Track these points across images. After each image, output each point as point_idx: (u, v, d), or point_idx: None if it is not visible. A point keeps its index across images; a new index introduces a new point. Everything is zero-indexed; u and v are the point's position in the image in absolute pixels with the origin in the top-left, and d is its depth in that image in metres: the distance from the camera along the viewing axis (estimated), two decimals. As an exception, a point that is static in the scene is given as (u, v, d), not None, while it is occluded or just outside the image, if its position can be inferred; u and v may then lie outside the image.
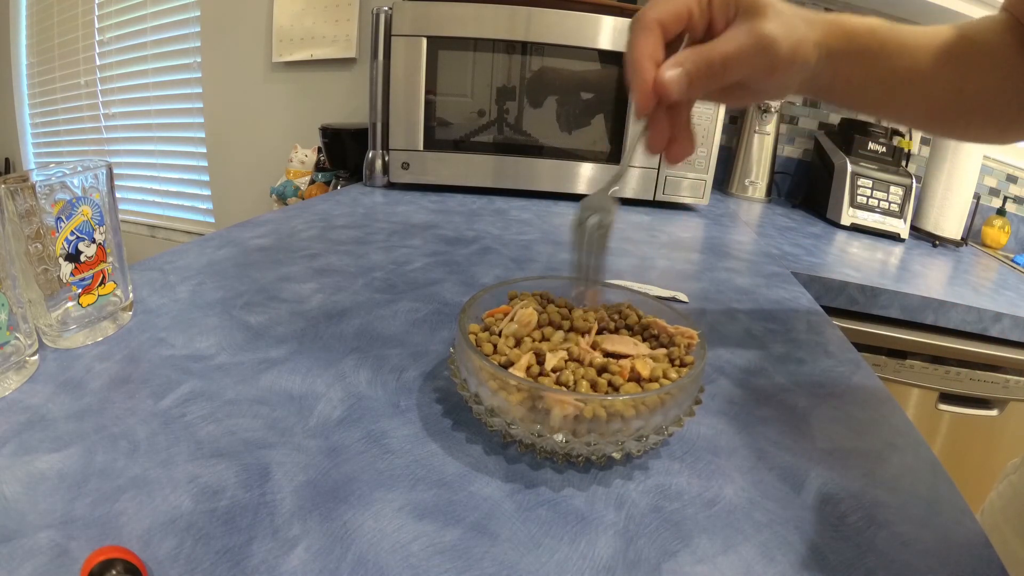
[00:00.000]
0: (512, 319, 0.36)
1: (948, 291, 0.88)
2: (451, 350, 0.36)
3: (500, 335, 0.35)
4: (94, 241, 0.39)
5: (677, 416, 0.31)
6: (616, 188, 0.36)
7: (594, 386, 0.31)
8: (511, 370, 0.31)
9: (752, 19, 0.31)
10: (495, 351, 0.34)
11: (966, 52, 0.37)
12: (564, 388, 0.30)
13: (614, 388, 0.31)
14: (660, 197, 1.05)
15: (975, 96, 0.38)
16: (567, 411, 0.28)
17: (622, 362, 0.33)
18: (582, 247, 0.37)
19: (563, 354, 0.32)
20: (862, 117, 1.27)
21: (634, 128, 0.35)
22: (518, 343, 0.34)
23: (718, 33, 0.32)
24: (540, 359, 0.33)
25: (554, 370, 0.32)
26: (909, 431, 0.39)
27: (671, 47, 0.33)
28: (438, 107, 0.98)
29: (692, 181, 1.04)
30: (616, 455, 0.30)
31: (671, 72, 0.31)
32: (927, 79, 0.37)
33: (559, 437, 0.29)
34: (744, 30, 0.31)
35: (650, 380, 0.32)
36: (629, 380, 0.32)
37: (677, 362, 0.35)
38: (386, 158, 1.02)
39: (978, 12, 1.10)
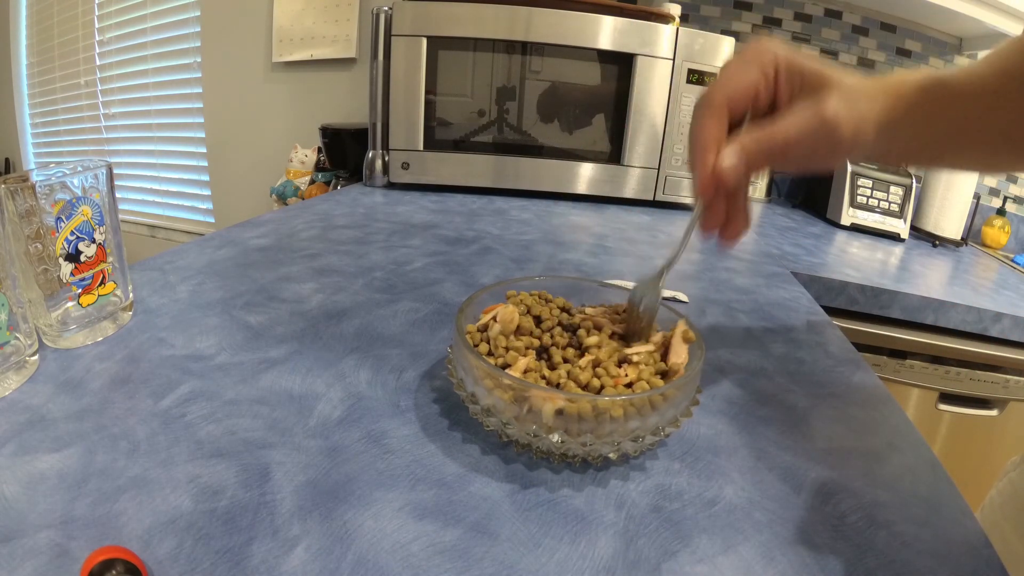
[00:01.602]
0: (495, 319, 0.36)
1: (948, 291, 0.88)
2: (448, 350, 0.36)
3: (488, 338, 0.35)
4: (94, 241, 0.39)
5: (674, 417, 0.31)
6: (667, 274, 0.36)
7: (586, 386, 0.31)
8: (509, 371, 0.31)
9: (817, 97, 0.31)
10: (491, 351, 0.34)
11: (1014, 90, 0.34)
12: (553, 387, 0.31)
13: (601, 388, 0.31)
14: (660, 197, 1.05)
15: None
16: (558, 405, 0.28)
17: (626, 367, 0.33)
18: (632, 324, 0.37)
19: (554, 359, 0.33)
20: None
21: (693, 208, 0.35)
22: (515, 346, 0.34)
23: (782, 104, 0.32)
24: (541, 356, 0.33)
25: (552, 366, 0.32)
26: (909, 431, 0.39)
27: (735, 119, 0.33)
28: (438, 107, 0.98)
29: (691, 181, 1.04)
30: (612, 456, 0.30)
31: (730, 160, 0.31)
32: (979, 129, 0.35)
33: (555, 437, 0.29)
34: (808, 111, 0.31)
35: (639, 380, 0.32)
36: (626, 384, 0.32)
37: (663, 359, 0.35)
38: (386, 158, 1.02)
39: (979, 12, 1.10)
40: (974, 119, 0.34)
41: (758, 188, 1.39)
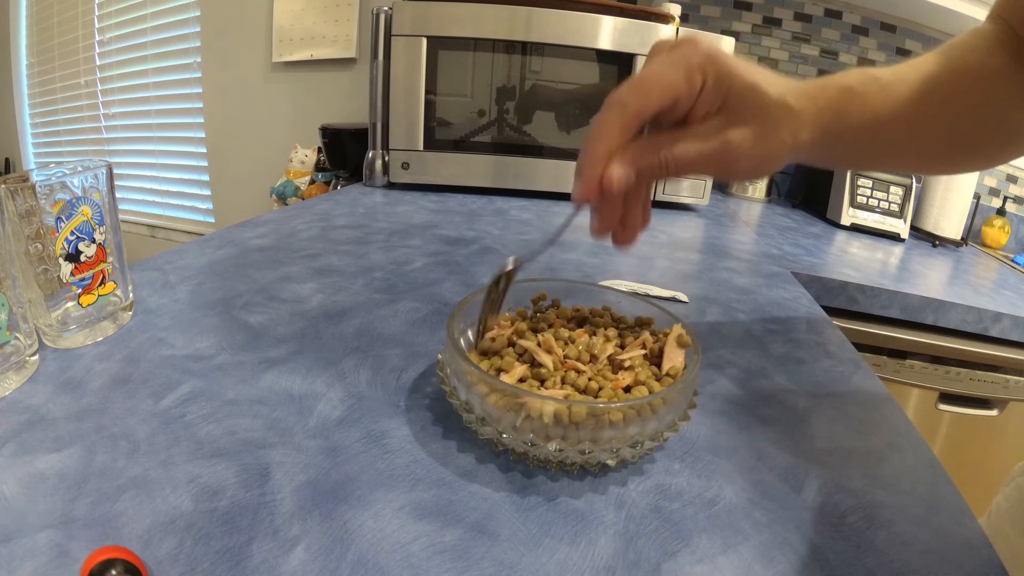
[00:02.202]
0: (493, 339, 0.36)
1: (948, 291, 0.88)
2: (440, 356, 0.36)
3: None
4: (94, 241, 0.39)
5: (672, 421, 0.31)
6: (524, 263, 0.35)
7: (584, 390, 0.31)
8: (502, 378, 0.31)
9: (729, 123, 0.30)
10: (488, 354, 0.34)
11: (951, 88, 0.35)
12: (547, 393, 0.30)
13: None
14: (660, 197, 1.05)
15: (965, 131, 0.36)
16: (556, 408, 0.28)
17: (622, 374, 0.33)
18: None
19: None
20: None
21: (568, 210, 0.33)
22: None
23: (697, 117, 0.31)
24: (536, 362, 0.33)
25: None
26: (909, 431, 0.39)
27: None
28: (438, 107, 0.98)
29: (692, 181, 1.04)
30: (611, 462, 0.30)
31: (618, 171, 0.29)
32: (912, 128, 0.35)
33: (552, 445, 0.29)
34: (714, 139, 0.30)
35: (637, 384, 0.32)
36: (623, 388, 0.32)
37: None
38: (386, 158, 1.02)
39: (979, 12, 1.10)
40: (910, 117, 0.35)
41: (758, 188, 1.39)
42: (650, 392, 0.31)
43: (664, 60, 0.30)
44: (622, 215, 0.34)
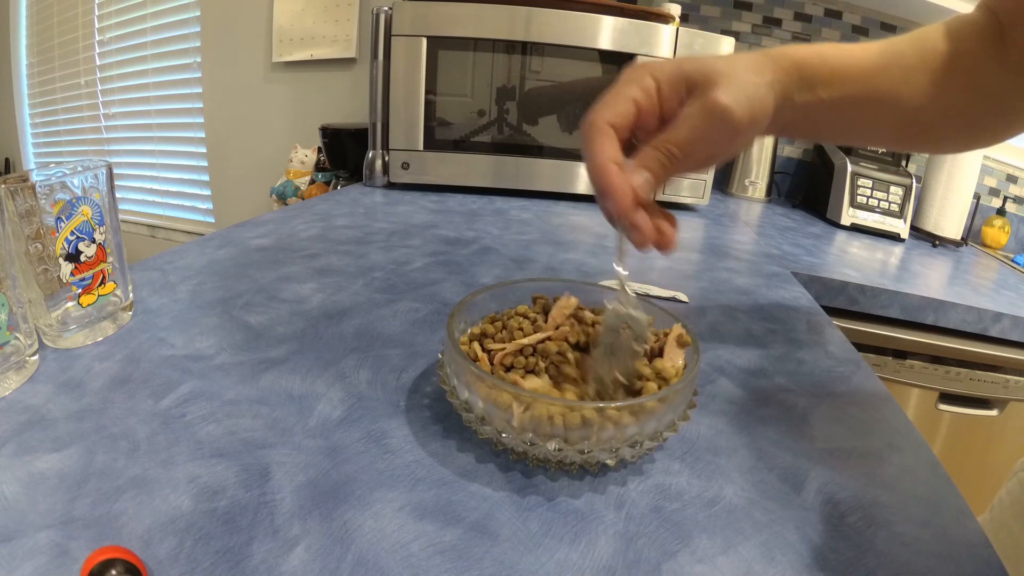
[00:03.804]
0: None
1: (948, 291, 0.88)
2: (440, 355, 0.35)
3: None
4: (94, 241, 0.39)
5: (671, 421, 0.31)
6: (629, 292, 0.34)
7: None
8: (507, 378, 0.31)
9: (704, 94, 0.31)
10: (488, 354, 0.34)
11: (931, 65, 0.35)
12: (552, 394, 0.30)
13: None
14: (660, 197, 1.05)
15: (944, 110, 0.36)
16: (556, 412, 0.28)
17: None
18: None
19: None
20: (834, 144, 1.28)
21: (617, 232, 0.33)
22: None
23: (673, 115, 0.32)
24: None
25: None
26: (909, 431, 0.39)
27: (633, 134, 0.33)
28: (438, 107, 0.98)
29: (692, 181, 1.04)
30: (610, 462, 0.30)
31: (638, 178, 0.31)
32: (889, 99, 0.36)
33: (551, 445, 0.29)
34: (697, 108, 0.31)
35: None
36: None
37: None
38: (386, 158, 1.02)
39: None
40: (888, 89, 0.35)
41: (758, 188, 1.39)
42: (649, 392, 0.31)
43: (613, 85, 0.33)
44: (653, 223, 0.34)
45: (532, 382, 0.32)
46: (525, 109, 0.99)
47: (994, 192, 1.36)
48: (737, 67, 0.32)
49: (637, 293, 0.41)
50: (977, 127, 0.38)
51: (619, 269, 0.35)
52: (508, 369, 0.34)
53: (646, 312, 0.35)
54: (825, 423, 0.39)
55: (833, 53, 0.35)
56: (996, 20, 0.36)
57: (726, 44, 0.99)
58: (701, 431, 0.37)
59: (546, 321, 0.37)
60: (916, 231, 1.21)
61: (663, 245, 0.33)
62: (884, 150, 1.23)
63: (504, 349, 0.34)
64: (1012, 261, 1.19)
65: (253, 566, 0.24)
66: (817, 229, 1.15)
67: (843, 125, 0.38)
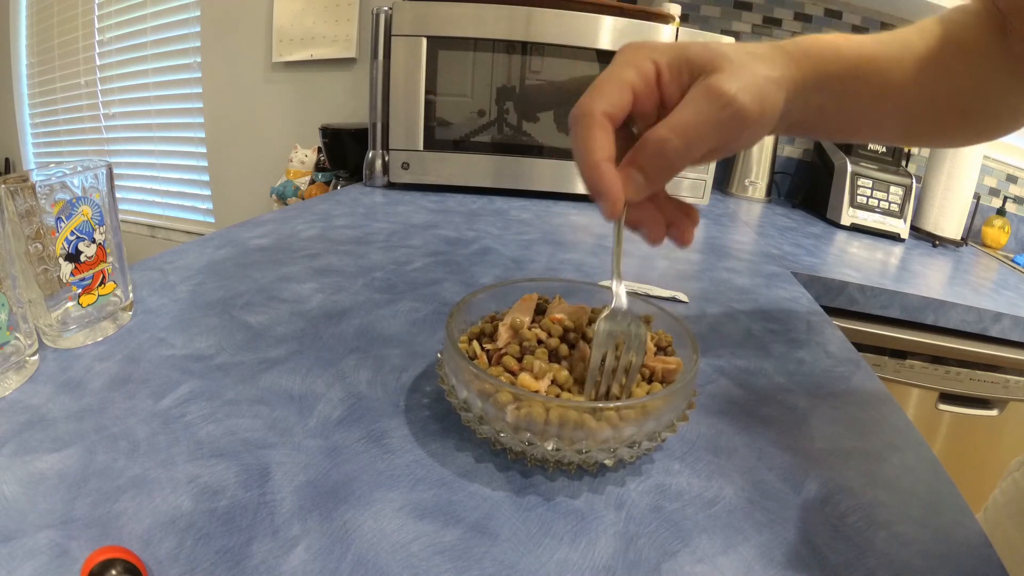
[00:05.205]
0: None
1: (948, 291, 0.88)
2: (439, 355, 0.35)
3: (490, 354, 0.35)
4: (94, 241, 0.39)
5: (670, 421, 0.31)
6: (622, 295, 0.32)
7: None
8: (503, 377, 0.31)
9: (708, 80, 0.28)
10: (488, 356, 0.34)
11: (938, 56, 0.34)
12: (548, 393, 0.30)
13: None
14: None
15: (951, 102, 0.35)
16: (555, 412, 0.28)
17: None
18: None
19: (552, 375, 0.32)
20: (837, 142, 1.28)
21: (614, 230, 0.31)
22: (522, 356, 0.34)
23: (674, 104, 0.29)
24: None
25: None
26: (909, 431, 0.39)
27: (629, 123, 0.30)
28: (438, 107, 0.98)
29: (692, 181, 1.04)
30: (608, 462, 0.30)
31: (631, 185, 0.28)
32: (900, 92, 0.34)
33: (550, 445, 0.28)
34: (702, 95, 0.28)
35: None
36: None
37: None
38: (386, 158, 1.02)
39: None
40: (898, 82, 0.34)
41: (758, 188, 1.39)
42: (648, 393, 0.31)
43: (608, 67, 0.30)
44: (666, 217, 0.32)
45: (531, 381, 0.32)
46: (526, 104, 0.99)
47: (994, 192, 1.36)
48: (747, 56, 0.29)
49: (636, 293, 0.41)
50: (983, 119, 0.37)
51: (614, 285, 0.32)
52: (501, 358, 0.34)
53: (643, 321, 0.34)
54: (825, 423, 0.39)
55: (848, 47, 0.33)
56: (996, 10, 0.35)
57: (726, 44, 0.99)
58: (701, 431, 0.37)
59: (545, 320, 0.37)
60: (916, 231, 1.21)
61: (678, 241, 0.32)
62: (884, 149, 1.23)
63: (501, 349, 0.34)
64: (1012, 261, 1.19)
65: (253, 566, 0.24)
66: (817, 229, 1.15)
67: (853, 123, 0.36)
